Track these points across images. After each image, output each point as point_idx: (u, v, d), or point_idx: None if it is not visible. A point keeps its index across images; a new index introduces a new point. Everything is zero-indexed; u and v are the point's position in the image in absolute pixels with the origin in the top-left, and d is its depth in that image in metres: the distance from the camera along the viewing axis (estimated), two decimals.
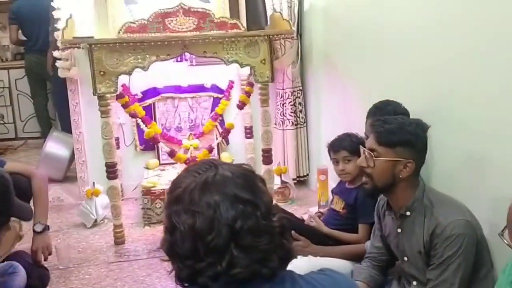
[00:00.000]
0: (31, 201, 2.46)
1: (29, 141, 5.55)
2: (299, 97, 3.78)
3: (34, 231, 2.40)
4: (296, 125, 3.81)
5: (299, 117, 3.81)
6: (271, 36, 2.89)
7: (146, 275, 2.58)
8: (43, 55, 4.50)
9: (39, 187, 2.46)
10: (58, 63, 3.50)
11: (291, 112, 3.78)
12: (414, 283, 1.71)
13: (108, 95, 2.77)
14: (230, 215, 0.86)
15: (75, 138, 3.69)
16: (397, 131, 1.60)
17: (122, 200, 3.63)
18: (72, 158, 3.95)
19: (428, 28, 2.00)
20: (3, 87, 5.54)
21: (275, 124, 3.84)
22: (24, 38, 4.93)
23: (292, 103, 3.76)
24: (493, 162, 1.66)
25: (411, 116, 1.91)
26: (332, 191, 2.49)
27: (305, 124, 3.84)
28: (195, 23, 2.81)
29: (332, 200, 2.47)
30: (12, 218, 2.33)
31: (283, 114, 3.80)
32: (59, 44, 3.14)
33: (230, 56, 2.81)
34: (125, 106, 3.08)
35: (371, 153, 1.62)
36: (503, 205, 1.15)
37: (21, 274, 2.24)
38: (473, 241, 1.54)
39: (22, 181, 2.42)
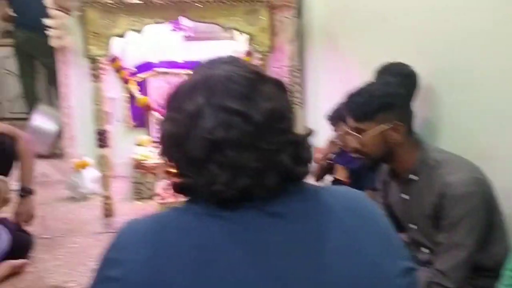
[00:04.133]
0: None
1: (16, 122, 5.37)
2: (297, 77, 3.68)
3: (18, 194, 2.28)
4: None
5: (295, 97, 3.71)
6: (272, 4, 2.79)
7: None
8: (33, 31, 4.31)
9: (25, 150, 2.33)
10: (50, 32, 3.35)
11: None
12: (423, 249, 1.60)
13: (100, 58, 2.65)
14: (208, 124, 0.70)
15: (63, 111, 3.54)
16: (368, 100, 1.50)
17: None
18: (59, 133, 3.81)
19: None
20: None
21: None
22: (14, 14, 4.75)
23: (289, 82, 3.66)
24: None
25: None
26: (334, 161, 2.38)
27: (302, 105, 3.74)
28: None
29: (333, 171, 2.37)
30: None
31: None
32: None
33: (229, 22, 2.70)
34: (118, 70, 2.96)
35: (355, 134, 1.54)
36: None
37: (4, 238, 2.13)
38: (484, 199, 1.43)
39: (5, 142, 2.29)
